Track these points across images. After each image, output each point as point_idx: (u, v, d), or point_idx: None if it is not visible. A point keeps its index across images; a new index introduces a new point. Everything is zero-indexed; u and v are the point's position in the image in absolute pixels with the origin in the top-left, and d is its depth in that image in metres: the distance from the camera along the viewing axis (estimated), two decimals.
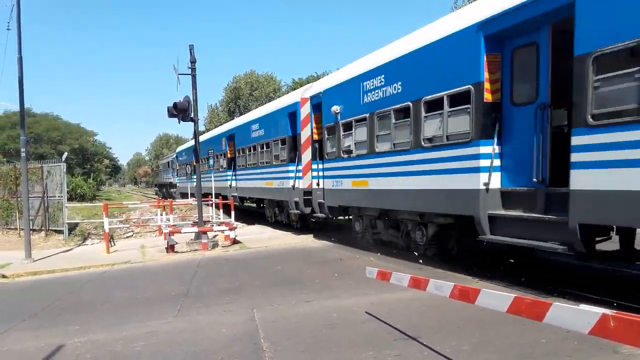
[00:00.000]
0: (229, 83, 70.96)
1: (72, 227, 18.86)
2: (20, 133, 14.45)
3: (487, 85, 8.23)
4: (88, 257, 14.08)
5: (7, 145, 57.96)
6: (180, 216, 22.00)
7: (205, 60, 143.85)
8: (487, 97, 8.24)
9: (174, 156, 44.49)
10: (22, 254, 13.69)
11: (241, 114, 53.09)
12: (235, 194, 23.28)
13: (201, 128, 52.42)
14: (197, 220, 15.74)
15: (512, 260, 9.82)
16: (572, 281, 8.05)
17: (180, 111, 13.92)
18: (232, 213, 18.11)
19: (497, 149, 8.23)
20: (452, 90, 8.87)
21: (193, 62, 14.54)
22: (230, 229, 15.32)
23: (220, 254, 13.83)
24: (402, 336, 5.81)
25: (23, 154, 14.01)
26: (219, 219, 19.58)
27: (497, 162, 8.27)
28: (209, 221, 17.83)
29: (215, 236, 15.64)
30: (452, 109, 8.92)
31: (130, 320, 7.45)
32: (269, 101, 36.92)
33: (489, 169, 8.17)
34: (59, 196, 17.98)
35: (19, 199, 17.80)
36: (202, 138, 35.53)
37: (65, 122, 72.80)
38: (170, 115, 13.97)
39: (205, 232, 14.80)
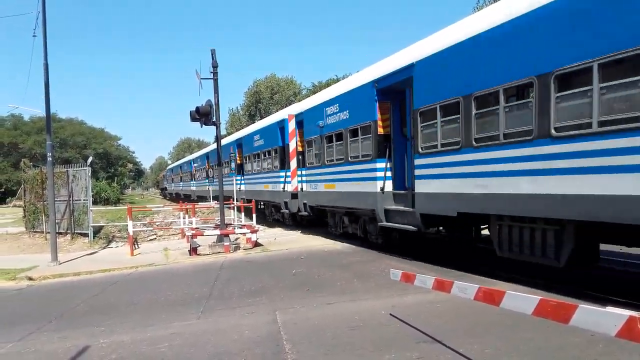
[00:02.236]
0: (250, 87, 71.52)
1: (97, 230, 19.23)
2: (46, 138, 14.79)
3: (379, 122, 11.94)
4: (112, 259, 14.31)
5: (33, 150, 59.58)
6: (202, 219, 22.21)
7: (227, 64, 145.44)
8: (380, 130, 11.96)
9: (165, 172, 74.80)
10: (49, 257, 13.98)
11: (262, 117, 53.33)
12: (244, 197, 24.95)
13: (222, 132, 52.93)
14: (219, 223, 15.89)
15: None
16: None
17: (203, 115, 14.05)
18: (254, 216, 18.26)
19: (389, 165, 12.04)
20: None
21: (215, 66, 14.69)
22: (252, 232, 15.40)
23: (242, 256, 13.92)
24: (424, 338, 5.77)
25: (49, 159, 14.31)
26: (241, 221, 19.71)
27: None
28: (231, 224, 17.96)
29: (237, 239, 15.76)
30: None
31: (154, 321, 7.56)
32: (290, 104, 37.38)
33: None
34: (84, 200, 18.29)
35: (45, 202, 18.21)
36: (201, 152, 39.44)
37: (90, 127, 74.66)
38: (193, 119, 14.09)
39: (227, 235, 14.93)
